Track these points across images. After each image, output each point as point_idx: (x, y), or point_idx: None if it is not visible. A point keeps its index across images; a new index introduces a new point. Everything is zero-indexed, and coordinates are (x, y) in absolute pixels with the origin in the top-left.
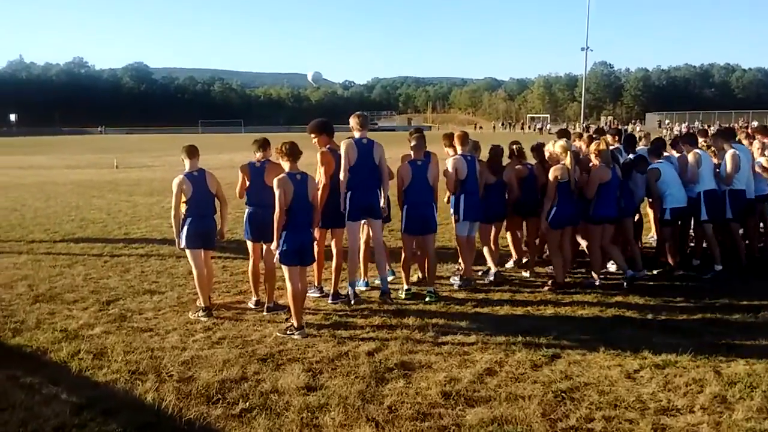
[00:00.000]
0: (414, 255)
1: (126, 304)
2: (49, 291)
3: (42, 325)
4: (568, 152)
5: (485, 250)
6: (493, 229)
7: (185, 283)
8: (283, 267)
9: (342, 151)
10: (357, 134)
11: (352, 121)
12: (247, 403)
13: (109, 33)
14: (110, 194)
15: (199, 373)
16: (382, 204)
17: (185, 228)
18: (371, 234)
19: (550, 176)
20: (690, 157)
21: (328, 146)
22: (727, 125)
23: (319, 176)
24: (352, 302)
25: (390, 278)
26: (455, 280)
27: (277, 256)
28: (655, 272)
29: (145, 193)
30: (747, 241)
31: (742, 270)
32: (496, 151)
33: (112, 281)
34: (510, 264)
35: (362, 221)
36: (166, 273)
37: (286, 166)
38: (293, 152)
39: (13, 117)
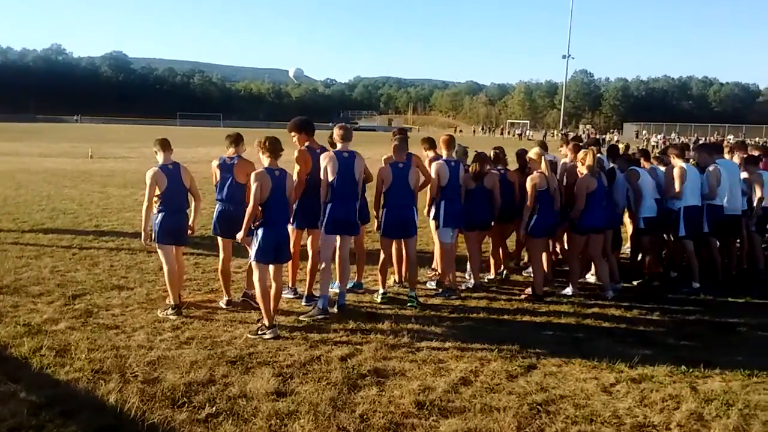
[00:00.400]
0: (390, 258)
1: (93, 299)
2: (14, 283)
3: (4, 318)
4: (542, 158)
5: (470, 258)
6: (476, 237)
7: (155, 279)
8: (254, 265)
9: (322, 165)
10: (339, 146)
11: (335, 132)
12: (214, 408)
13: (88, 21)
14: (83, 184)
15: (165, 374)
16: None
17: (158, 223)
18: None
19: (528, 185)
20: (675, 171)
21: (306, 145)
22: (704, 138)
23: (295, 175)
24: (325, 314)
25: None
26: (431, 284)
27: (252, 253)
28: (635, 283)
29: (118, 185)
30: (727, 259)
31: (718, 285)
32: (480, 157)
33: (80, 275)
34: (490, 276)
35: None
36: (136, 268)
37: (265, 161)
38: (274, 148)
39: None
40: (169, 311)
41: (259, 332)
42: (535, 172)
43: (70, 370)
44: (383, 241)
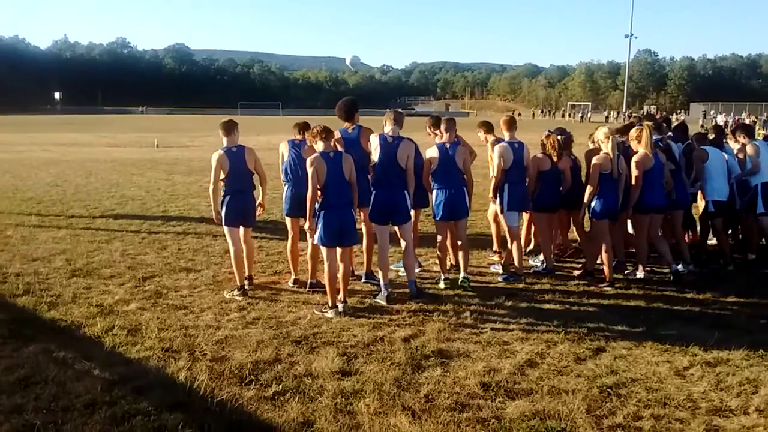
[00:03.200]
0: (446, 241)
1: (162, 281)
2: (87, 266)
3: (78, 299)
4: (610, 139)
5: (541, 240)
6: (546, 219)
7: (221, 261)
8: (321, 249)
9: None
10: (387, 129)
11: (386, 115)
12: (280, 386)
13: (151, 14)
14: (150, 172)
15: (233, 353)
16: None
17: (224, 205)
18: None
19: (592, 165)
20: (749, 148)
21: (339, 129)
22: None
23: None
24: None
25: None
26: (495, 268)
27: (315, 237)
28: (709, 267)
29: (183, 172)
30: None
31: None
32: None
33: (149, 258)
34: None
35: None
36: (203, 251)
37: (320, 146)
38: (327, 133)
39: (57, 95)
40: (236, 292)
41: (323, 310)
42: (601, 153)
43: (141, 348)
44: (437, 224)
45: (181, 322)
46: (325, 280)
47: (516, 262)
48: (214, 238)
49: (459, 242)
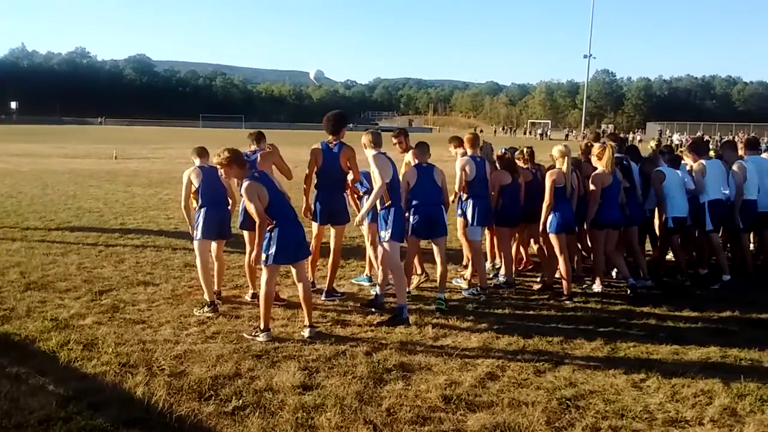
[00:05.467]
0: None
1: (119, 294)
2: (41, 279)
3: (32, 313)
4: (566, 157)
5: (503, 254)
6: (508, 233)
7: (181, 275)
8: (265, 267)
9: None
10: (372, 151)
11: (365, 139)
12: (241, 401)
13: (112, 24)
14: (108, 184)
15: (192, 368)
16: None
17: (200, 218)
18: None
19: (547, 180)
20: (695, 166)
21: (321, 141)
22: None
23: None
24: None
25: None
26: (458, 282)
27: (264, 256)
28: (664, 281)
29: (143, 185)
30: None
31: (749, 281)
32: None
33: (106, 271)
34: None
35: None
36: (162, 264)
37: (240, 174)
38: (238, 159)
39: (13, 105)
40: (206, 309)
41: (254, 333)
42: (555, 169)
43: (98, 363)
44: (411, 241)
45: (139, 336)
46: (261, 303)
47: (479, 276)
48: (173, 251)
49: (439, 261)
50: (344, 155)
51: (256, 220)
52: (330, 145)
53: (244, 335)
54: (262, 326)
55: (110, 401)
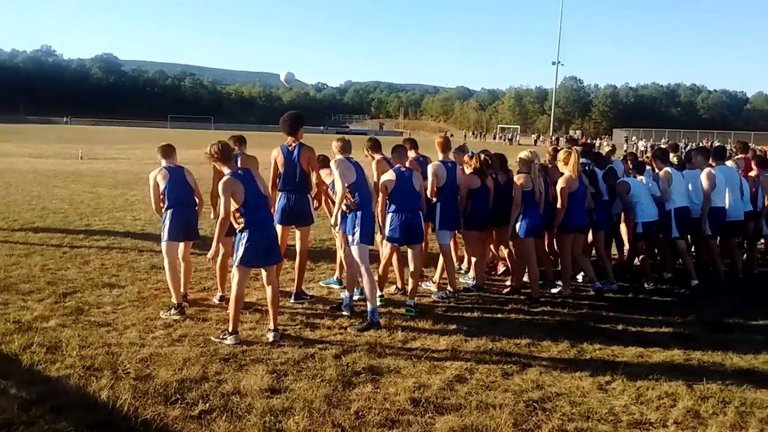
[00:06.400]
0: (390, 263)
1: (84, 297)
2: (4, 280)
3: None
4: (533, 162)
5: (473, 259)
6: (477, 237)
7: (147, 277)
8: (236, 269)
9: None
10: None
11: (334, 146)
12: (207, 405)
13: (78, 23)
14: (73, 185)
15: (158, 371)
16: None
17: (167, 219)
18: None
19: (514, 186)
20: (661, 174)
21: (281, 145)
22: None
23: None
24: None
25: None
26: (427, 285)
27: (236, 257)
28: (631, 285)
29: (109, 185)
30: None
31: (721, 288)
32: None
33: (71, 273)
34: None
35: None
36: (128, 266)
37: (225, 169)
38: (226, 154)
39: None
40: (173, 311)
41: (222, 336)
42: (521, 174)
43: (61, 366)
44: (388, 248)
45: (104, 339)
46: (231, 304)
47: (448, 280)
48: (139, 253)
49: (412, 269)
50: (304, 156)
51: (220, 215)
52: (290, 147)
53: (212, 338)
54: (230, 329)
55: (74, 405)
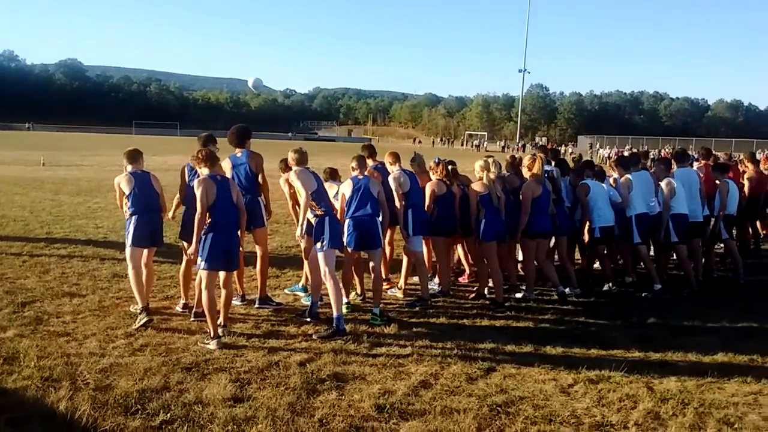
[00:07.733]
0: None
1: (43, 306)
2: None
3: None
4: (485, 172)
5: (438, 264)
6: (444, 243)
7: (108, 286)
8: (203, 273)
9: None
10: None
11: (289, 157)
12: (168, 415)
13: (42, 27)
14: (34, 192)
15: (118, 381)
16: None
17: (131, 225)
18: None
19: (471, 193)
20: (622, 180)
21: (230, 155)
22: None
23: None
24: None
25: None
26: (393, 292)
27: (199, 261)
28: (593, 289)
29: (71, 193)
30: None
31: (694, 294)
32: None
33: (30, 282)
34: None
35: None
36: (89, 275)
37: (205, 171)
38: (213, 158)
39: None
40: (141, 315)
41: (205, 341)
42: (478, 181)
43: (19, 378)
44: (346, 252)
45: (63, 349)
46: (205, 309)
47: (421, 287)
48: (101, 261)
49: (374, 275)
50: (252, 160)
51: (197, 209)
52: (237, 154)
53: (198, 344)
54: (211, 333)
55: (31, 417)
